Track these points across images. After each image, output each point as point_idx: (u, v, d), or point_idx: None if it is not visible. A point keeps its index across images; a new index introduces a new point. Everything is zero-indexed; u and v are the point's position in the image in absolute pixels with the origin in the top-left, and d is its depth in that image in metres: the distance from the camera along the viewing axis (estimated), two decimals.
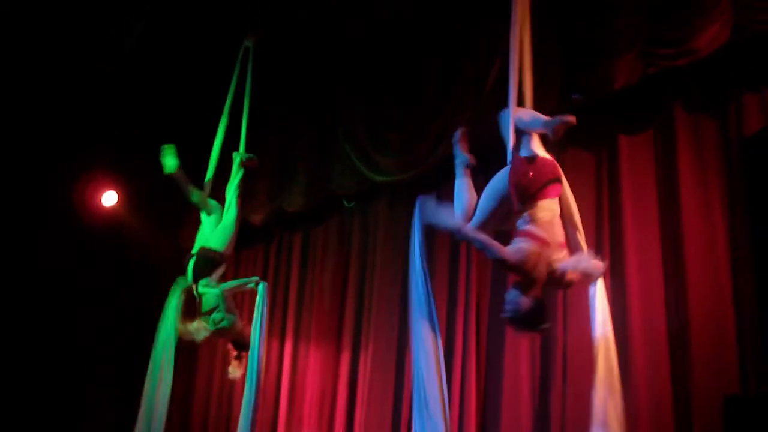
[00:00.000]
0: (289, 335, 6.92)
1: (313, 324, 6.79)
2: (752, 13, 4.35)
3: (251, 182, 6.80)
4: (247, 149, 5.89)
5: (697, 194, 4.71)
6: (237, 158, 5.73)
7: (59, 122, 7.09)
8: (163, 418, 5.33)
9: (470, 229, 3.77)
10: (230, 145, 5.85)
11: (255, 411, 5.14)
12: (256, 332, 5.28)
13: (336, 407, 6.33)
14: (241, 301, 6.94)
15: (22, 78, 6.73)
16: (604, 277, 3.88)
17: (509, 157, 3.89)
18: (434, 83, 5.91)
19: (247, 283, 5.59)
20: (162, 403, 5.35)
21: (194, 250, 5.60)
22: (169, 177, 5.60)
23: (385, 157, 6.14)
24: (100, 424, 7.25)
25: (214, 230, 5.61)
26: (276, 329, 7.07)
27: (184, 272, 5.55)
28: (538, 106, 4.08)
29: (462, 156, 4.12)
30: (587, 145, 5.22)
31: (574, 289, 4.82)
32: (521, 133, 3.90)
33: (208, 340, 5.54)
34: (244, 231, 6.63)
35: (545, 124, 3.76)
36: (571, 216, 3.85)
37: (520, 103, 3.97)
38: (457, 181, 4.07)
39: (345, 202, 6.76)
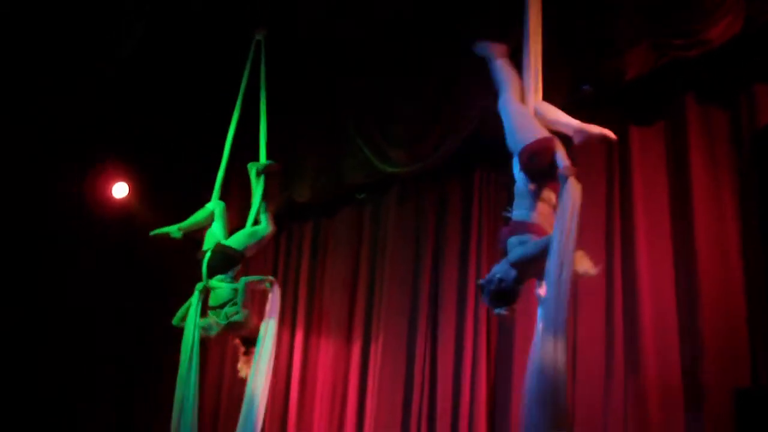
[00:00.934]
0: (300, 326, 6.93)
1: (323, 314, 6.81)
2: (764, 4, 4.31)
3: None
4: (256, 141, 5.91)
5: (708, 186, 4.69)
6: (253, 169, 5.72)
7: (69, 116, 7.10)
8: (194, 415, 5.31)
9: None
10: (240, 141, 5.85)
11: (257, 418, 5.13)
12: (268, 335, 5.27)
13: (347, 397, 6.35)
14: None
15: (33, 71, 6.73)
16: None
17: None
18: (442, 74, 5.89)
19: (263, 281, 5.58)
20: (193, 401, 5.33)
21: (206, 246, 5.60)
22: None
23: (396, 148, 6.13)
24: (99, 425, 7.27)
25: (240, 232, 5.61)
26: (287, 320, 7.07)
27: (198, 267, 5.55)
28: (547, 98, 4.10)
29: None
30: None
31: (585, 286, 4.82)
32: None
33: (219, 335, 5.51)
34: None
35: (579, 132, 3.77)
36: None
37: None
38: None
39: (356, 194, 6.77)
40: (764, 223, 4.19)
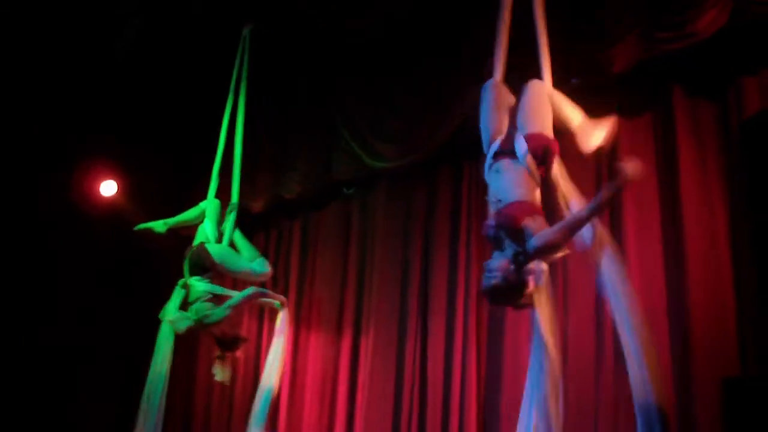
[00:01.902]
0: (290, 321, 6.92)
1: (313, 310, 6.80)
2: None
3: (250, 169, 6.82)
4: (246, 137, 5.90)
5: (696, 177, 4.71)
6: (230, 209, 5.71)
7: (57, 112, 7.06)
8: (160, 407, 5.30)
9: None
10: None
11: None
12: (276, 355, 5.25)
13: (337, 392, 6.35)
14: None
15: (18, 68, 6.70)
16: None
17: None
18: (433, 69, 5.90)
19: (274, 299, 5.53)
20: (158, 393, 5.32)
21: (195, 243, 5.58)
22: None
23: (384, 143, 6.13)
24: (96, 423, 7.23)
25: (231, 251, 5.57)
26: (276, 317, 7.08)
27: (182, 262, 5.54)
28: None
29: None
30: None
31: (575, 275, 4.85)
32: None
33: (192, 331, 5.39)
34: (243, 218, 6.65)
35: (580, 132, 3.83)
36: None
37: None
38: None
39: (344, 189, 6.77)
40: (752, 213, 4.21)
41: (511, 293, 3.49)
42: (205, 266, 5.37)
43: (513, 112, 3.94)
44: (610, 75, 4.88)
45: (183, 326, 5.33)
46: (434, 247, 6.02)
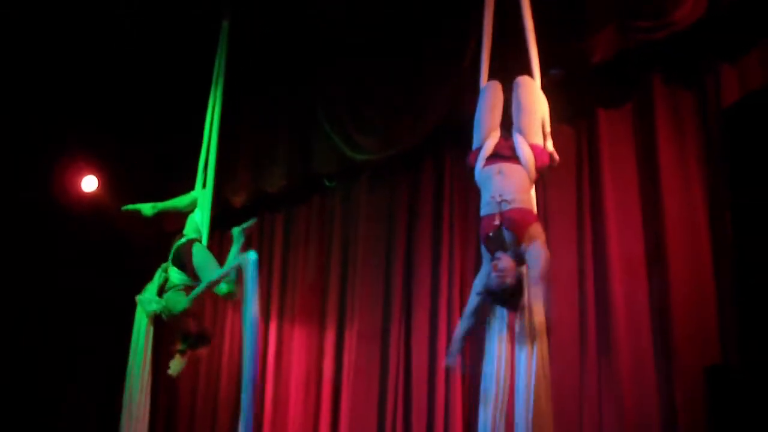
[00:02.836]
0: (274, 315, 6.91)
1: (297, 303, 6.79)
2: None
3: (232, 163, 6.79)
4: (227, 130, 5.84)
5: (676, 165, 4.74)
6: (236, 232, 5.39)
7: (36, 105, 7.00)
8: (143, 403, 5.26)
9: None
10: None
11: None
12: (249, 315, 5.11)
13: (322, 386, 6.35)
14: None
15: None
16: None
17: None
18: (413, 61, 5.88)
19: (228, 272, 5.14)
20: (141, 390, 5.27)
21: (185, 231, 5.51)
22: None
23: (366, 136, 6.11)
24: (81, 420, 7.19)
25: (212, 261, 5.32)
26: (260, 309, 7.04)
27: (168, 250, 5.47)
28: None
29: None
30: (566, 119, 5.20)
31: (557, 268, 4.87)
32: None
33: (158, 317, 5.27)
34: (225, 213, 6.63)
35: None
36: None
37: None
38: None
39: (326, 182, 6.75)
40: (732, 201, 4.22)
41: (518, 294, 3.72)
42: (183, 263, 5.33)
43: (506, 105, 4.10)
44: (589, 65, 4.88)
45: (150, 309, 5.25)
46: (417, 239, 6.02)
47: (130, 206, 5.71)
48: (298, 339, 6.67)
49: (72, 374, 7.34)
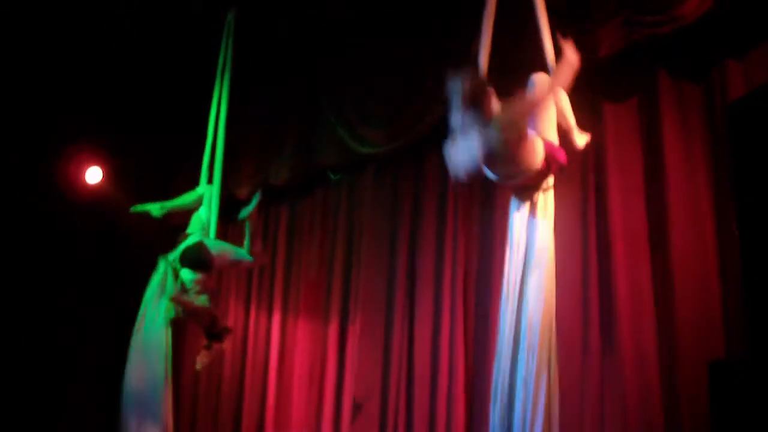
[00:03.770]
0: (277, 308, 6.93)
1: (300, 296, 6.80)
2: None
3: (236, 156, 6.80)
4: (231, 122, 5.85)
5: (681, 160, 4.72)
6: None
7: (40, 95, 7.00)
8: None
9: None
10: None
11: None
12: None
13: (325, 379, 6.36)
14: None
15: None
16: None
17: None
18: (418, 52, 5.87)
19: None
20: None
21: (190, 230, 5.51)
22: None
23: (371, 128, 6.12)
24: (81, 420, 7.20)
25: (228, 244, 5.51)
26: (264, 302, 7.08)
27: (172, 248, 5.46)
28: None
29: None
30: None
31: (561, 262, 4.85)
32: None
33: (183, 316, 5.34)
34: (230, 205, 6.63)
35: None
36: None
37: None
38: None
39: (331, 175, 6.75)
40: (737, 196, 4.21)
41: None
42: (204, 263, 5.31)
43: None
44: (595, 59, 4.86)
45: (170, 316, 5.26)
46: (421, 231, 6.02)
47: (139, 207, 5.70)
48: (302, 331, 6.69)
49: (72, 374, 7.34)
